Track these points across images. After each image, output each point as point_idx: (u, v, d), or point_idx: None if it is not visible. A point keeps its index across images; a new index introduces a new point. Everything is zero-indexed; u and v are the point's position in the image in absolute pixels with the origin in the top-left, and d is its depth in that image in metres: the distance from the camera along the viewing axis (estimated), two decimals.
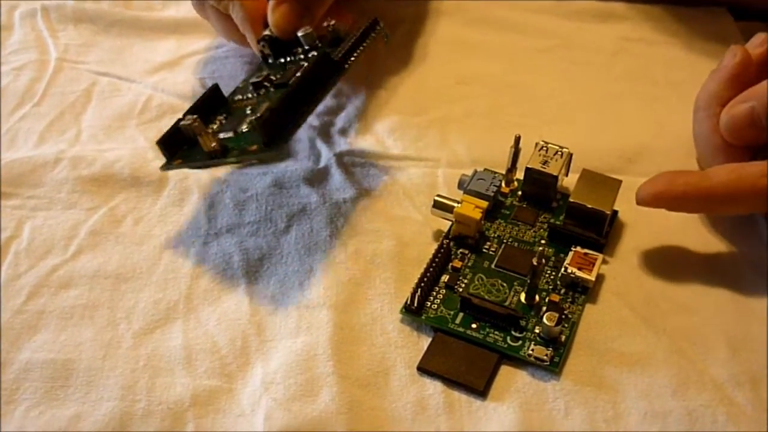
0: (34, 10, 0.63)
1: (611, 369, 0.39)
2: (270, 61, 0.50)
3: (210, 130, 0.45)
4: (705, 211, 0.45)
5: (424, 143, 0.51)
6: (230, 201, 0.48)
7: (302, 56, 0.48)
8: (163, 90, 0.56)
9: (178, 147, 0.45)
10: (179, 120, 0.44)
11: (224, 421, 0.38)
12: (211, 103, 0.47)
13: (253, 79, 0.47)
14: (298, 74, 0.45)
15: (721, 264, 0.44)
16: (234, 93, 0.48)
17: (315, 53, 0.48)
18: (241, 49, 0.58)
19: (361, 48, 0.47)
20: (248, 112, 0.45)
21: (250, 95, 0.47)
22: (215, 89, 0.47)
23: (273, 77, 0.47)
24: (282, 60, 0.49)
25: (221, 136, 0.43)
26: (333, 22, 0.48)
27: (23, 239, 0.46)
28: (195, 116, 0.44)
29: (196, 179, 0.49)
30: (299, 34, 0.48)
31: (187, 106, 0.54)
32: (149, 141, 0.52)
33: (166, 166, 0.44)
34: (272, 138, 0.41)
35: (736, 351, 0.40)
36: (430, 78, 0.56)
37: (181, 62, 0.58)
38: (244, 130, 0.43)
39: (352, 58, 0.47)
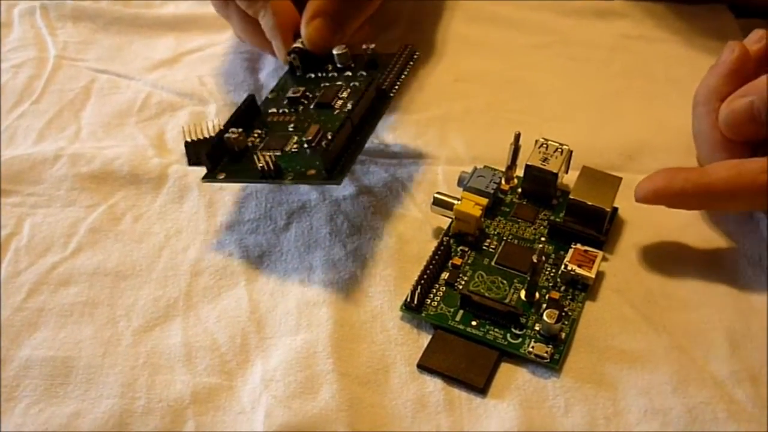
0: (33, 7, 0.62)
1: (611, 366, 0.39)
2: (297, 73, 0.50)
3: (250, 143, 0.45)
4: (705, 207, 0.45)
5: (423, 141, 0.51)
6: (230, 198, 0.48)
7: (335, 74, 0.49)
8: (162, 87, 0.56)
9: (220, 158, 0.44)
10: (222, 132, 0.44)
11: (224, 419, 0.38)
12: (247, 115, 0.47)
13: (290, 94, 0.48)
14: (350, 101, 0.46)
15: (721, 261, 0.44)
16: (266, 105, 0.48)
17: (349, 73, 0.48)
18: (241, 45, 0.58)
19: (403, 77, 0.47)
20: (291, 129, 0.45)
21: (286, 110, 0.47)
22: (252, 101, 0.47)
23: (310, 94, 0.47)
24: (312, 75, 0.49)
25: (271, 154, 0.43)
26: (373, 45, 0.48)
27: (23, 236, 0.46)
28: (240, 130, 0.44)
29: (196, 177, 0.49)
30: (335, 52, 0.49)
31: (187, 103, 0.54)
32: (149, 138, 0.52)
33: (209, 178, 0.44)
34: (333, 166, 0.42)
35: (737, 348, 0.40)
36: (429, 75, 0.56)
37: (180, 59, 0.58)
38: (294, 151, 0.43)
39: (396, 88, 0.47)
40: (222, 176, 0.44)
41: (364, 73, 0.48)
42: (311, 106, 0.47)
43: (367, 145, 0.50)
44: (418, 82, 0.56)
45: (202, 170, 0.49)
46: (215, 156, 0.44)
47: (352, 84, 0.48)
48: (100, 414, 0.38)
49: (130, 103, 0.55)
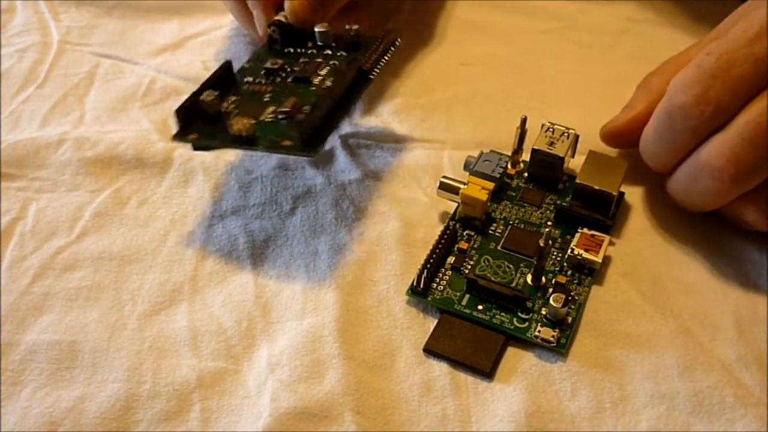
0: None
1: (618, 350, 0.39)
2: (276, 47, 0.49)
3: (224, 109, 0.44)
4: None
5: (429, 125, 0.51)
6: (235, 183, 0.47)
7: (314, 51, 0.48)
8: (166, 72, 0.55)
9: (192, 120, 0.44)
10: (197, 92, 0.44)
11: (230, 403, 0.38)
12: (222, 81, 0.46)
13: (268, 65, 0.47)
14: (330, 77, 0.46)
15: (727, 245, 0.44)
16: (242, 73, 0.48)
17: (329, 51, 0.48)
18: (244, 30, 0.57)
19: (383, 62, 0.47)
20: (267, 99, 0.45)
21: (262, 81, 0.47)
22: (228, 67, 0.47)
23: (288, 67, 0.47)
24: (291, 50, 0.49)
25: (246, 121, 0.42)
26: (356, 27, 0.48)
27: (28, 221, 0.45)
28: (217, 93, 0.44)
29: (201, 161, 0.48)
30: (316, 29, 0.48)
31: (191, 87, 0.53)
32: (153, 123, 0.51)
33: (179, 137, 0.43)
34: (309, 138, 0.41)
35: (744, 332, 0.40)
36: (434, 59, 0.56)
37: (184, 44, 0.58)
38: (269, 120, 0.43)
39: (377, 70, 0.47)
40: (194, 136, 0.43)
41: (345, 54, 0.48)
42: (289, 79, 0.47)
43: (372, 129, 0.50)
44: (423, 66, 0.55)
45: (208, 154, 0.49)
46: (188, 116, 0.43)
47: (331, 62, 0.47)
48: (105, 398, 0.38)
49: (134, 88, 0.54)
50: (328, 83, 0.46)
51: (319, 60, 0.48)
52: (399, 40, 0.49)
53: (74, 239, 0.45)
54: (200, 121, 0.44)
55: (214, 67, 0.54)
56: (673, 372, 0.38)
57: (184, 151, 0.49)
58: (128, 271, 0.43)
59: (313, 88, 0.45)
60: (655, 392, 0.38)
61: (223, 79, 0.46)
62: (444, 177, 0.45)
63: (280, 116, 0.43)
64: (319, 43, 0.49)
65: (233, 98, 0.45)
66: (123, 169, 0.48)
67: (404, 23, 0.59)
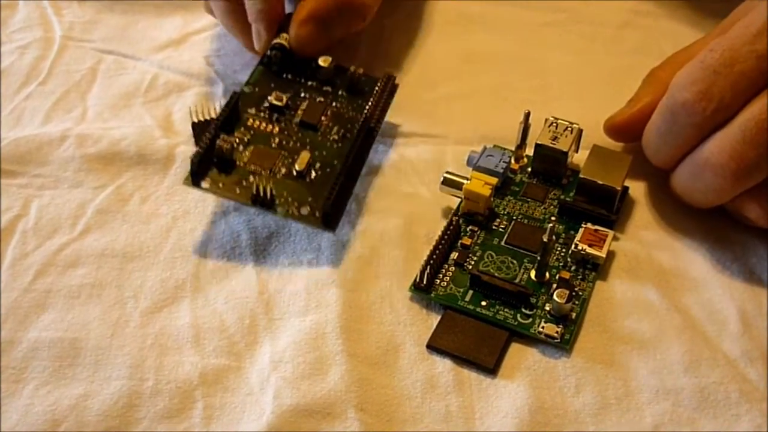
0: None
1: (622, 346, 0.39)
2: (274, 69, 0.49)
3: (231, 145, 0.44)
4: None
5: (431, 120, 0.51)
6: None
7: (313, 84, 0.49)
8: (168, 68, 0.55)
9: (205, 163, 0.44)
10: (214, 137, 0.44)
11: (233, 400, 0.38)
12: (231, 116, 0.46)
13: (273, 101, 0.47)
14: (337, 126, 0.47)
15: (732, 239, 0.44)
16: (243, 100, 0.47)
17: (329, 88, 0.49)
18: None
19: (380, 108, 0.48)
20: (275, 146, 0.45)
21: (266, 115, 0.47)
22: (238, 100, 0.46)
23: (291, 104, 0.47)
24: (288, 76, 0.49)
25: (266, 185, 0.42)
26: (362, 70, 0.49)
27: (30, 218, 0.45)
28: (236, 140, 0.44)
29: None
30: (321, 64, 0.49)
31: (194, 83, 0.54)
32: (156, 119, 0.51)
33: (194, 183, 0.43)
34: (330, 214, 0.42)
35: (749, 327, 0.40)
36: (436, 54, 0.56)
37: (186, 40, 0.58)
38: (282, 175, 0.44)
39: (380, 124, 0.48)
40: (207, 185, 0.43)
41: (345, 94, 0.48)
42: (294, 121, 0.47)
43: None
44: (424, 61, 0.55)
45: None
46: (203, 161, 0.44)
47: (333, 104, 0.48)
48: (108, 395, 0.38)
49: (136, 84, 0.54)
50: (335, 135, 0.46)
51: (321, 100, 0.48)
52: (397, 83, 0.50)
53: (76, 236, 0.44)
54: (213, 165, 0.44)
55: (216, 63, 0.55)
56: (678, 368, 0.38)
57: (186, 148, 0.49)
58: (131, 268, 0.43)
59: (320, 137, 0.46)
60: (660, 388, 0.37)
61: (232, 113, 0.46)
62: (447, 172, 0.44)
63: (293, 172, 0.44)
64: (321, 78, 0.49)
65: (239, 135, 0.45)
66: (125, 166, 0.48)
67: (404, 18, 0.58)
